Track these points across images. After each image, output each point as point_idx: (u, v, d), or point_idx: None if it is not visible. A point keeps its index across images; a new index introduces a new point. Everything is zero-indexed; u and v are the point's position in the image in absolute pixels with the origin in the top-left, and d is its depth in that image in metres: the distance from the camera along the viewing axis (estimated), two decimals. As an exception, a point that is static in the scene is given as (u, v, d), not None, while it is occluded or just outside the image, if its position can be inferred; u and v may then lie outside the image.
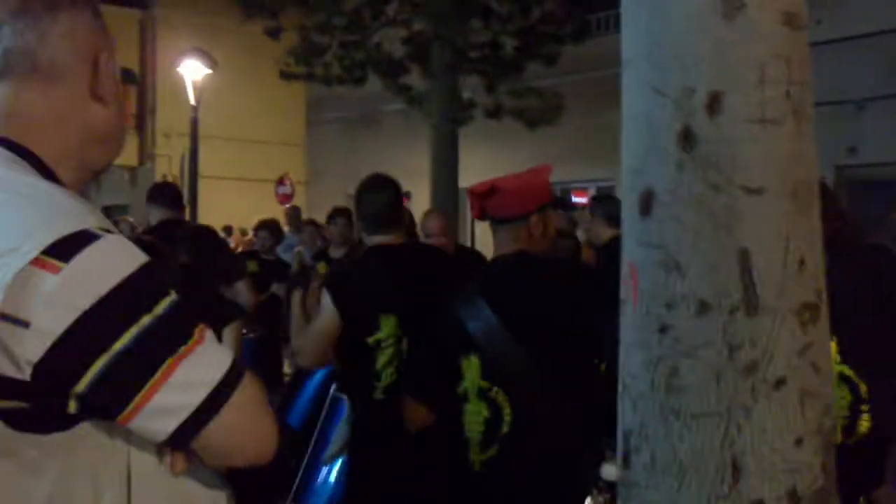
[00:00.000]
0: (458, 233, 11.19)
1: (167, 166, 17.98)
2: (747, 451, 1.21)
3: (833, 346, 1.37)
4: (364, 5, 10.65)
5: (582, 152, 12.90)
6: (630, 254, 1.35)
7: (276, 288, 7.18)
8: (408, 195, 14.80)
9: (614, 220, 5.38)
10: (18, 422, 1.06)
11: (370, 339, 3.04)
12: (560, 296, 2.52)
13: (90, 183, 1.35)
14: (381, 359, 3.05)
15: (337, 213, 7.01)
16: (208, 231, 4.22)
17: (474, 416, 2.48)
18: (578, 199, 13.23)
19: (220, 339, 3.48)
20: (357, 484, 3.16)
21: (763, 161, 1.24)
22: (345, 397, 3.40)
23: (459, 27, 10.02)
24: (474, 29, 10.60)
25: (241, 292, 4.88)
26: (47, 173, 1.19)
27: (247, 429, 1.16)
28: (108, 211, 17.66)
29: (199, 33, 15.86)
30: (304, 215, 11.07)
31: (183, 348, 1.10)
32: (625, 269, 1.37)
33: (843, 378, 2.68)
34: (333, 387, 3.63)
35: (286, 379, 8.91)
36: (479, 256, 6.16)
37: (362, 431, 3.16)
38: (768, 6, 1.24)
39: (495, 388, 2.45)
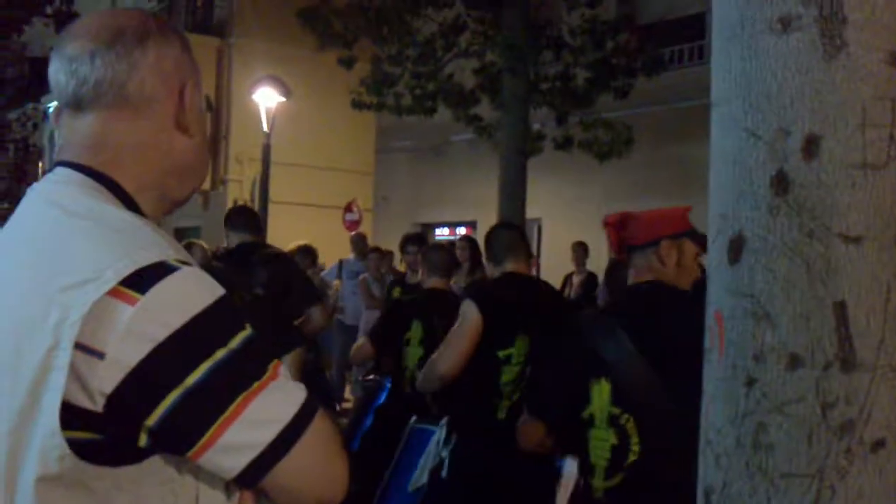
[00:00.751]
0: (523, 264, 11.12)
1: (239, 191, 18.32)
2: (843, 518, 1.13)
3: None
4: (437, 36, 10.74)
5: (651, 186, 12.73)
6: (716, 301, 1.29)
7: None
8: (473, 225, 14.83)
9: None
10: (90, 453, 1.05)
11: (501, 353, 3.15)
12: (690, 328, 2.45)
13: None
14: (506, 375, 3.14)
15: (409, 242, 7.07)
16: (284, 257, 4.25)
17: (601, 443, 2.44)
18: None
19: None
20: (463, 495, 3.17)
21: (863, 208, 1.17)
22: (429, 428, 3.44)
23: (531, 58, 10.02)
24: (546, 61, 10.59)
25: (315, 315, 4.92)
26: (128, 203, 1.20)
27: (318, 468, 1.14)
28: (180, 233, 18.06)
29: (273, 61, 16.19)
30: (371, 242, 11.13)
31: (256, 384, 1.09)
32: (710, 317, 1.31)
33: None
34: (413, 419, 3.65)
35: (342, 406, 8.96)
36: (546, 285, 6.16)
37: (479, 449, 3.18)
38: (872, 45, 1.18)
39: (626, 416, 2.40)
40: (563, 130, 10.88)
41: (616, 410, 2.41)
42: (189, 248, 6.11)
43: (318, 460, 1.13)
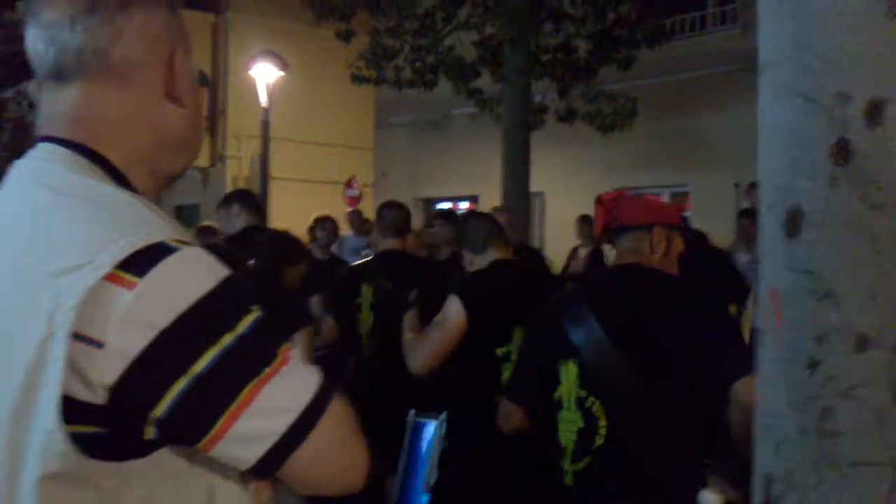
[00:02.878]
0: (528, 237, 11.05)
1: (237, 168, 18.18)
2: (920, 510, 1.07)
3: None
4: (436, 9, 10.59)
5: (654, 158, 12.64)
6: (772, 279, 1.21)
7: None
8: (475, 199, 14.73)
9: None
10: (94, 448, 0.98)
11: (500, 351, 3.05)
12: (668, 312, 2.40)
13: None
14: (507, 372, 3.03)
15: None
16: (286, 237, 4.14)
17: (568, 425, 2.42)
18: (650, 206, 12.96)
19: None
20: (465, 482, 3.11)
21: (932, 178, 1.10)
22: (429, 421, 3.35)
23: (532, 30, 9.88)
24: (547, 32, 10.46)
25: (315, 306, 4.81)
26: (119, 179, 1.12)
27: (336, 456, 1.08)
28: (179, 211, 17.96)
29: (270, 36, 15.98)
30: (372, 218, 11.03)
31: (267, 370, 1.02)
32: (764, 296, 1.23)
33: None
34: (412, 412, 3.57)
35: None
36: (537, 255, 6.06)
37: (474, 445, 3.10)
38: (942, 2, 1.10)
39: (591, 398, 2.37)
40: (566, 103, 10.76)
41: (583, 393, 2.39)
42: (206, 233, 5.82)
43: (336, 447, 1.08)
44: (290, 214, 10.25)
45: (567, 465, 2.41)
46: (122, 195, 1.08)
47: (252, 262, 3.67)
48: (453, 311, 3.08)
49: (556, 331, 2.46)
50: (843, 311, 1.11)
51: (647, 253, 2.52)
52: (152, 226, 1.03)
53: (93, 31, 1.11)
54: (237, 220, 4.44)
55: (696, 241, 5.47)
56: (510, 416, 2.65)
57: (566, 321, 2.45)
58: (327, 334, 4.40)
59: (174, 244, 1.01)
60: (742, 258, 7.01)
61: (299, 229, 7.11)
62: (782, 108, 1.21)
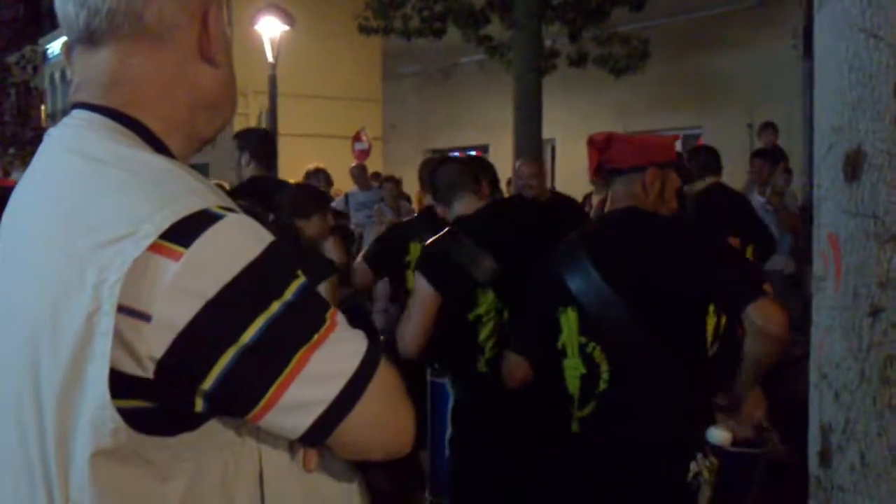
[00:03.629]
0: (540, 186, 10.98)
1: (245, 125, 18.04)
2: None
3: None
4: (443, -46, 10.41)
5: (666, 100, 12.49)
6: (830, 223, 1.17)
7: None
8: (485, 149, 14.62)
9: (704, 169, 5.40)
10: (143, 423, 0.96)
11: (470, 316, 2.98)
12: (666, 254, 2.39)
13: None
14: (483, 332, 2.99)
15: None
16: (297, 190, 4.09)
17: (572, 372, 2.42)
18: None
19: None
20: (461, 457, 3.09)
21: None
22: (444, 381, 3.33)
23: (542, -27, 9.69)
24: (557, -26, 10.27)
25: (329, 251, 4.77)
26: (157, 145, 1.09)
27: (385, 420, 1.06)
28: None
29: (274, -11, 15.78)
30: (382, 171, 10.94)
31: (316, 336, 0.99)
32: (821, 242, 1.19)
33: None
34: (429, 371, 3.54)
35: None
36: (573, 203, 5.98)
37: (465, 404, 3.09)
38: None
39: (592, 344, 2.37)
40: (577, 47, 10.60)
41: (583, 339, 2.40)
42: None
43: (385, 412, 1.05)
44: (300, 171, 10.18)
45: (574, 411, 2.42)
46: (162, 162, 1.05)
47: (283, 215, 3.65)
48: (420, 287, 2.98)
49: (555, 279, 2.45)
50: (909, 256, 1.08)
51: (642, 195, 2.49)
52: (195, 193, 1.00)
53: None
54: (245, 169, 4.39)
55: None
56: (516, 367, 2.63)
57: (563, 268, 2.44)
58: (361, 281, 4.39)
59: (218, 211, 0.98)
60: (757, 200, 6.96)
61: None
62: (842, 45, 1.16)
